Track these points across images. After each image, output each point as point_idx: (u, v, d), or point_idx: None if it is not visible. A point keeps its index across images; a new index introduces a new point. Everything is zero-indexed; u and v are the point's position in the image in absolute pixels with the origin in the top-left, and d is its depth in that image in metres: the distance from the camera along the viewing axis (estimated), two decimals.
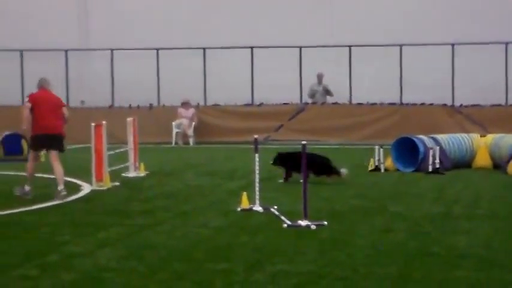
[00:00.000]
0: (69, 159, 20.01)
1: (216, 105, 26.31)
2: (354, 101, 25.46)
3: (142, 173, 16.12)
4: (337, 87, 25.57)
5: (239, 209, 11.37)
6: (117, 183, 14.45)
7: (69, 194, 13.22)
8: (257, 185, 11.41)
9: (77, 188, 14.01)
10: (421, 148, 16.32)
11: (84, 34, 30.62)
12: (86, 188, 13.94)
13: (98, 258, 8.33)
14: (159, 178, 15.60)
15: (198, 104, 26.17)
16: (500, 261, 8.08)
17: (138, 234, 9.71)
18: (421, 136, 17.00)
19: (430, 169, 15.99)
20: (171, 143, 25.02)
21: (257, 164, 11.45)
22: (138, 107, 26.03)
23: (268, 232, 9.74)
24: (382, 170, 16.39)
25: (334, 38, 26.62)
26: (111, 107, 26.56)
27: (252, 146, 11.89)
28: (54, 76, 27.06)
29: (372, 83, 25.81)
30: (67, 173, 15.94)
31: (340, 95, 25.61)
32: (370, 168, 16.50)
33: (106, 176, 14.24)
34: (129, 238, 9.47)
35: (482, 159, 17.08)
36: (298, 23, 28.27)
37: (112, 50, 26.92)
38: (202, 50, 26.41)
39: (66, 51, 27.23)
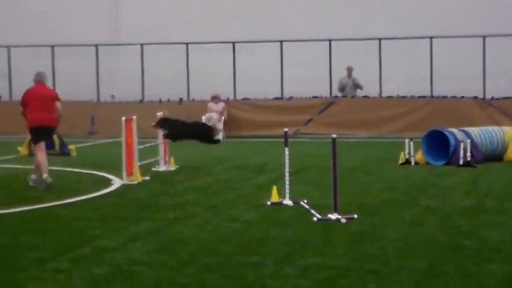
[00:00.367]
0: (99, 153, 20.21)
1: (245, 99, 26.32)
2: (384, 94, 25.34)
3: (172, 167, 16.17)
4: (367, 80, 25.48)
5: (269, 203, 11.37)
6: (147, 178, 14.52)
7: (100, 188, 13.31)
8: (287, 178, 11.41)
9: (107, 183, 14.09)
10: (452, 141, 16.21)
11: (114, 29, 30.79)
12: (116, 183, 14.02)
13: (129, 252, 8.38)
14: (189, 172, 15.65)
15: (228, 98, 26.19)
16: None
17: (169, 228, 9.75)
18: (451, 129, 16.88)
19: (461, 162, 15.88)
20: None
21: (287, 157, 11.44)
22: (168, 101, 26.11)
23: (298, 226, 9.74)
24: (413, 163, 16.31)
25: (364, 31, 26.51)
26: (141, 101, 26.67)
27: (282, 140, 11.88)
28: (84, 71, 27.44)
29: (402, 76, 25.69)
30: (98, 167, 16.12)
31: (370, 88, 25.51)
32: (400, 162, 16.43)
33: (136, 170, 14.31)
34: (159, 232, 9.52)
35: None
36: (328, 16, 28.20)
37: (142, 44, 27.02)
38: (231, 44, 26.42)
39: (96, 46, 27.39)
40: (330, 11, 28.41)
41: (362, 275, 7.28)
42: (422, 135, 16.95)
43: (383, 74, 25.27)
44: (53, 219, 10.45)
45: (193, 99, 26.57)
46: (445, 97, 24.60)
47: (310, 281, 7.11)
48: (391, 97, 25.21)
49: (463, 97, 24.48)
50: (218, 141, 16.97)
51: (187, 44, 26.77)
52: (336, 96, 25.83)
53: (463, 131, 16.77)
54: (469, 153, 15.89)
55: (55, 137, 19.82)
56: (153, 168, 15.80)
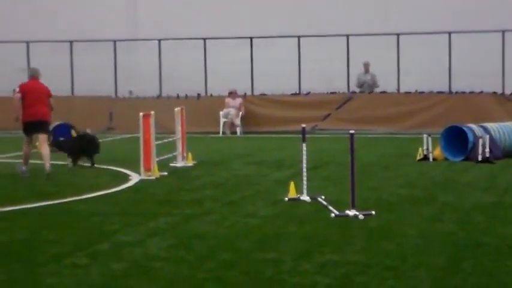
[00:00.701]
0: (117, 149, 20.27)
1: (263, 94, 26.32)
2: (402, 90, 25.26)
3: (190, 163, 16.19)
4: (385, 75, 25.41)
5: (287, 199, 11.37)
6: (165, 173, 14.54)
7: (118, 183, 13.36)
8: (304, 174, 11.40)
9: (125, 178, 14.14)
10: (471, 137, 16.13)
11: (132, 25, 30.89)
12: (134, 178, 14.06)
13: (147, 247, 8.40)
14: (207, 168, 15.67)
15: (245, 93, 26.20)
16: None
17: (187, 224, 9.77)
18: (470, 125, 16.80)
19: (480, 158, 15.80)
20: (218, 133, 25.10)
21: (304, 153, 11.43)
22: (186, 96, 26.16)
23: (315, 222, 9.73)
24: (431, 159, 16.24)
25: (382, 26, 26.43)
26: (159, 97, 26.74)
27: (300, 136, 11.88)
28: (102, 66, 27.53)
29: (421, 72, 25.60)
30: (116, 163, 16.16)
31: (388, 84, 25.43)
32: (418, 158, 16.37)
33: (154, 166, 14.34)
34: (177, 227, 9.54)
35: None
36: (346, 11, 28.14)
37: (160, 40, 27.08)
38: (249, 39, 26.42)
39: (114, 41, 27.47)
40: (348, 6, 28.35)
41: (380, 272, 7.26)
42: (441, 131, 16.88)
43: (401, 70, 25.19)
44: (71, 215, 10.49)
45: (211, 95, 26.60)
46: (463, 92, 24.50)
47: (328, 277, 7.10)
48: (409, 93, 25.14)
49: (481, 92, 24.37)
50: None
51: (204, 39, 26.79)
52: (354, 92, 25.78)
53: (481, 126, 16.68)
54: (487, 149, 15.81)
55: (73, 133, 19.92)
56: (170, 164, 15.83)
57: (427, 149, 16.36)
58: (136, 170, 14.44)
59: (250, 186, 12.99)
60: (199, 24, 28.16)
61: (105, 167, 15.89)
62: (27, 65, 27.55)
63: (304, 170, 11.42)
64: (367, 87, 25.67)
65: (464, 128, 16.44)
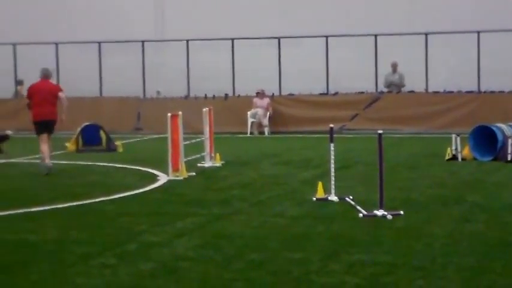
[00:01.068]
0: (145, 149, 20.36)
1: (290, 94, 26.30)
2: (431, 89, 25.12)
3: (218, 163, 16.21)
4: (413, 75, 25.26)
5: (314, 199, 11.35)
6: (193, 173, 14.57)
7: (146, 184, 13.41)
8: (332, 174, 11.37)
9: (153, 178, 14.19)
10: (500, 137, 16.00)
11: (160, 25, 31.00)
12: (162, 178, 14.10)
13: (175, 247, 8.43)
14: (235, 168, 15.68)
15: (273, 93, 26.19)
16: None
17: (215, 224, 9.78)
18: (499, 124, 16.67)
19: (509, 158, 15.67)
20: (246, 133, 25.11)
21: (332, 153, 11.41)
22: (214, 97, 26.21)
23: (343, 222, 9.71)
24: (459, 159, 16.14)
25: (410, 26, 26.28)
26: (186, 97, 26.81)
27: (327, 136, 11.85)
28: (130, 67, 27.66)
29: (449, 71, 25.44)
30: (144, 163, 16.23)
31: (416, 83, 25.29)
32: (447, 158, 16.27)
33: (182, 166, 14.38)
34: (205, 227, 9.55)
35: None
36: (374, 11, 28.05)
37: (187, 40, 27.14)
38: (277, 39, 26.40)
39: (142, 42, 27.58)
40: (375, 5, 28.24)
41: (408, 272, 7.23)
42: (469, 130, 16.77)
43: (429, 69, 25.04)
44: (100, 215, 10.55)
45: (239, 95, 26.62)
46: (492, 92, 24.30)
47: (357, 277, 7.08)
48: (438, 92, 24.99)
49: (511, 92, 24.15)
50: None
51: (232, 39, 26.80)
52: (382, 92, 25.67)
53: (510, 126, 16.54)
54: None
55: (102, 133, 20.05)
56: (198, 164, 15.85)
57: (456, 148, 16.25)
58: (164, 170, 14.49)
59: (278, 186, 12.99)
60: (227, 25, 28.20)
61: (133, 167, 15.96)
62: (56, 66, 27.75)
63: (332, 169, 11.39)
64: (395, 87, 25.56)
65: (493, 128, 16.31)
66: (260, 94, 25.70)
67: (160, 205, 11.33)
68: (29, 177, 14.76)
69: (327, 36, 25.99)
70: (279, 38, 26.40)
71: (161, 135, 18.86)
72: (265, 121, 25.34)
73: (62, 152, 19.16)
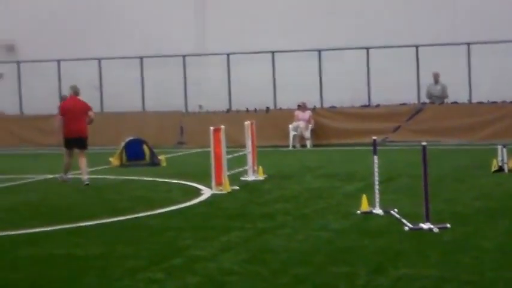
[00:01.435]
0: (188, 163, 20.44)
1: (332, 107, 26.24)
2: (474, 100, 24.87)
3: (260, 177, 16.21)
4: (455, 85, 25.02)
5: (359, 212, 11.29)
6: (236, 187, 14.59)
7: (190, 198, 13.45)
8: (377, 187, 11.31)
9: (197, 192, 14.23)
10: None
11: (201, 39, 31.13)
12: (206, 192, 14.14)
13: (220, 262, 8.43)
14: (278, 181, 15.67)
15: (315, 106, 26.15)
16: None
17: (259, 238, 9.77)
18: None
19: None
20: (288, 146, 25.10)
21: (376, 165, 11.34)
22: (255, 110, 26.25)
23: (389, 235, 9.63)
24: (506, 171, 15.93)
25: (451, 36, 26.05)
26: (228, 111, 26.88)
27: (370, 148, 11.79)
28: (172, 81, 27.80)
29: (493, 81, 25.15)
30: (187, 177, 16.29)
31: (459, 94, 25.06)
32: (493, 169, 16.08)
33: (225, 180, 14.40)
34: (250, 242, 9.55)
35: None
36: (414, 21, 27.87)
37: (228, 54, 27.23)
38: (317, 52, 26.38)
39: (184, 56, 27.74)
40: (416, 16, 28.07)
41: (457, 286, 7.14)
42: None
43: (472, 79, 24.80)
44: (145, 229, 10.61)
45: (280, 108, 26.63)
46: None
47: None
48: (482, 103, 24.76)
49: None
50: None
51: (273, 52, 26.84)
52: (424, 103, 25.48)
53: None
54: None
55: (145, 148, 20.18)
56: (241, 178, 15.87)
57: (502, 160, 16.06)
58: (208, 184, 14.53)
59: (322, 200, 12.95)
60: (267, 38, 28.19)
61: (176, 181, 16.03)
62: (99, 81, 28.04)
63: (376, 182, 11.33)
64: (437, 98, 25.36)
65: None
66: (302, 107, 25.68)
67: (204, 219, 11.35)
68: (75, 193, 14.90)
69: (367, 48, 25.92)
70: (319, 51, 26.38)
71: (204, 149, 18.93)
72: (307, 134, 25.30)
73: (106, 166, 19.32)
